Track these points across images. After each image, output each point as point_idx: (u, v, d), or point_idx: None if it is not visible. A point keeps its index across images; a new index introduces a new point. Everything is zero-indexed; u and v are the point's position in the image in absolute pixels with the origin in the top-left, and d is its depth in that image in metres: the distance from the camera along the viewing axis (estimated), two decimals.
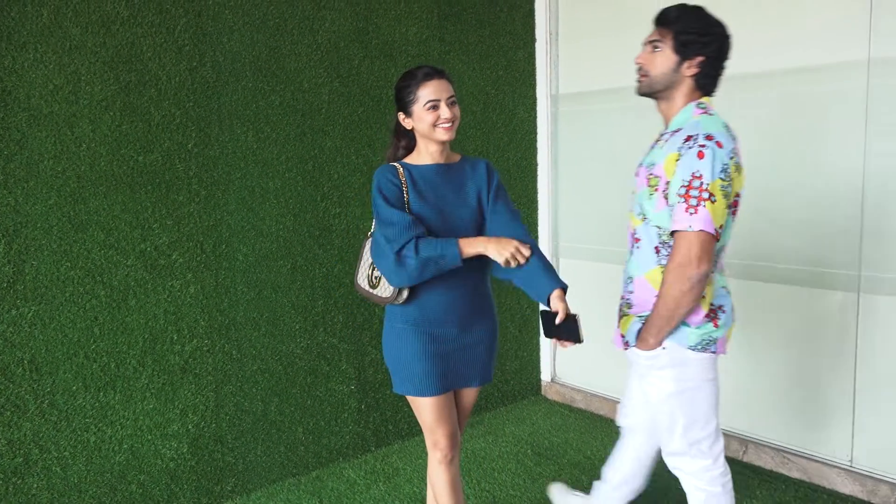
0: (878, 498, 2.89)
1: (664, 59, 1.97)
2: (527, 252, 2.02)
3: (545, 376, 4.23)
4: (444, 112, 2.07)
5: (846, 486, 2.98)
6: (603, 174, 3.79)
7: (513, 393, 4.06)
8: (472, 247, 2.01)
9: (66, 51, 2.52)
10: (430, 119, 2.08)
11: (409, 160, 2.18)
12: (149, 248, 2.73)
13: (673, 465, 2.11)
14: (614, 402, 3.83)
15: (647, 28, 1.96)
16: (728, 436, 3.35)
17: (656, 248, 1.99)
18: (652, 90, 2.02)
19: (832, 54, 2.87)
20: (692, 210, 1.84)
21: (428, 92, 2.08)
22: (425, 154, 2.16)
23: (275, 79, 3.01)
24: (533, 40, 3.94)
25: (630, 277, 2.07)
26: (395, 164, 2.15)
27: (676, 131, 1.96)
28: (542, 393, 4.22)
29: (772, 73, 3.04)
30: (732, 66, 3.23)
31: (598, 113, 3.71)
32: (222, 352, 2.94)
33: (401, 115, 2.15)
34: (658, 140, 2.05)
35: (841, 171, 2.88)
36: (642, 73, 2.01)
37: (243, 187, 2.96)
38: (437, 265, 2.00)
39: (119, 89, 2.63)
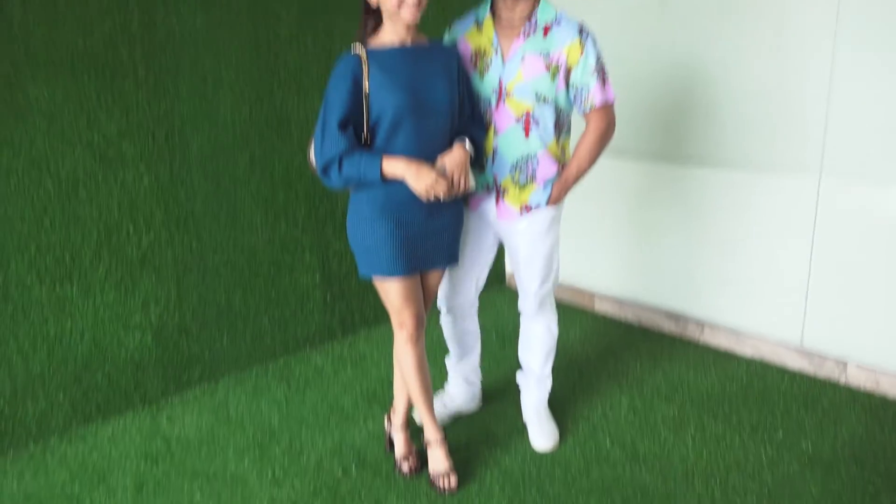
0: (824, 372, 2.94)
1: None
2: (442, 188, 2.00)
3: (510, 268, 4.19)
4: None
5: (795, 363, 3.02)
6: None
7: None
8: (393, 169, 2.00)
9: None
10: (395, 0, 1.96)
11: (374, 42, 2.06)
12: (97, 138, 2.58)
13: (546, 303, 2.46)
14: (580, 292, 3.83)
15: None
16: (685, 318, 3.37)
17: (556, 124, 2.23)
18: None
19: None
20: (605, 86, 2.17)
21: None
22: (391, 33, 2.04)
23: None
24: None
25: (532, 155, 2.23)
26: (357, 52, 2.02)
27: (553, 24, 2.15)
28: (507, 283, 4.21)
29: None
30: None
31: None
32: (181, 244, 2.84)
33: None
34: (526, 33, 2.16)
35: (809, 58, 2.76)
36: None
37: (195, 75, 2.78)
38: (360, 182, 2.02)
39: None
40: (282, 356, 3.26)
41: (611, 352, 3.27)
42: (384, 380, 3.05)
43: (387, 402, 2.85)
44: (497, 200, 2.30)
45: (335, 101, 1.98)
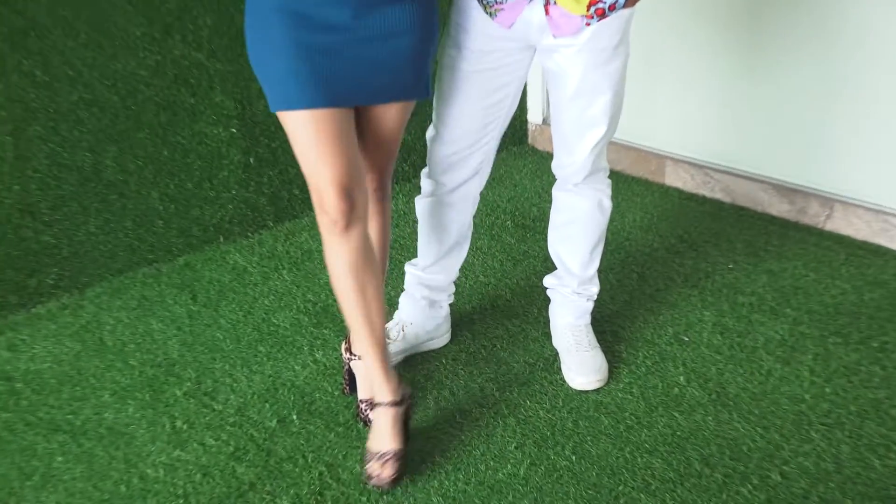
0: None
1: None
2: None
3: (534, 117, 4.15)
4: None
5: None
6: None
7: None
8: None
9: None
10: None
11: None
12: None
13: (600, 165, 2.49)
14: (644, 156, 3.82)
15: None
16: (804, 194, 3.38)
17: None
18: None
19: None
20: None
21: None
22: None
23: None
24: None
25: None
26: None
27: None
28: (530, 142, 4.18)
29: None
30: None
31: None
32: (18, 72, 2.78)
33: None
34: None
35: None
36: None
37: None
38: None
39: None
40: (183, 253, 3.26)
41: (688, 244, 3.28)
42: None
43: (342, 320, 2.84)
44: (546, 7, 2.21)
45: None
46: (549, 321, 2.76)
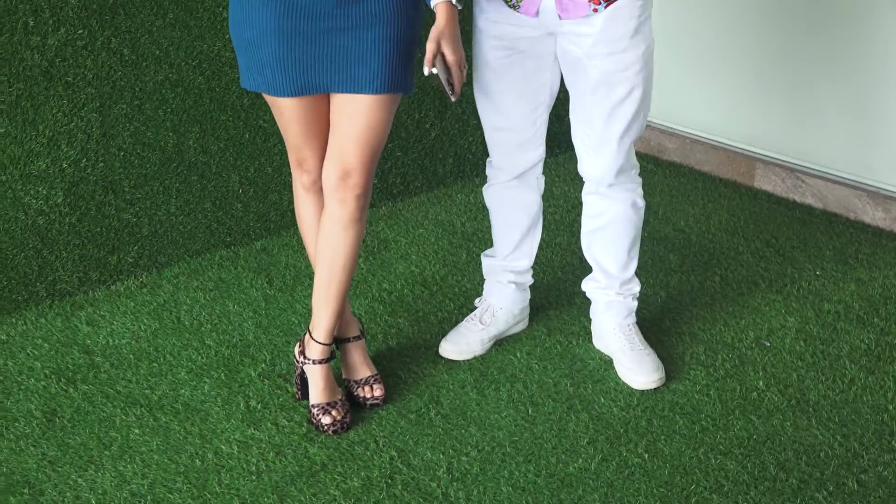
0: None
1: None
2: None
3: None
4: None
5: None
6: None
7: (565, 137, 4.03)
8: None
9: None
10: None
11: None
12: None
13: (629, 164, 2.54)
14: (732, 157, 3.86)
15: None
16: None
17: None
18: None
19: None
20: None
21: None
22: None
23: None
24: None
25: None
26: None
27: None
28: None
29: None
30: None
31: None
32: (107, 50, 2.91)
33: None
34: None
35: None
36: None
37: None
38: None
39: None
40: (260, 237, 3.38)
41: (775, 249, 3.31)
42: (415, 278, 3.16)
43: (418, 310, 2.97)
44: None
45: None
46: (591, 322, 2.82)
